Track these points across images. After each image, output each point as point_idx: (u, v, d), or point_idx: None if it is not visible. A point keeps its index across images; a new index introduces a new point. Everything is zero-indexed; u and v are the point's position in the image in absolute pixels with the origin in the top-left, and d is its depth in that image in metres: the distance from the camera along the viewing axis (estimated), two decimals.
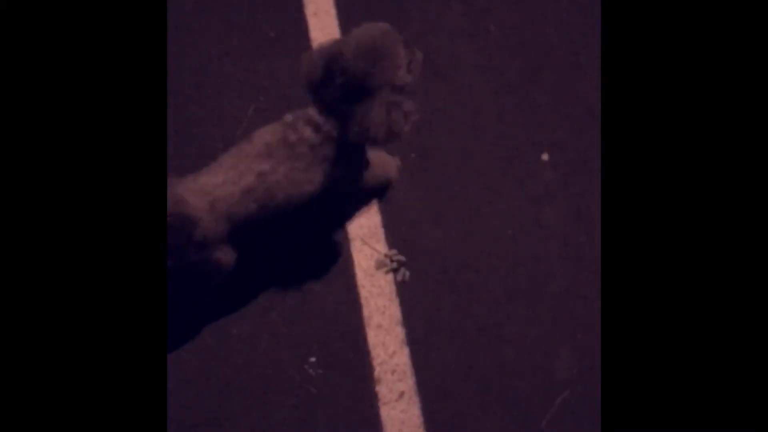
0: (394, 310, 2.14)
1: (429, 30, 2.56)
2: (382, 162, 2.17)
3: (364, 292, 2.16)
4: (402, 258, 2.20)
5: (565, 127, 2.43)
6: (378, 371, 2.06)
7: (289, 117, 1.86)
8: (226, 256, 1.87)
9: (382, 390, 2.05)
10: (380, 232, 2.23)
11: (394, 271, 2.19)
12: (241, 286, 2.12)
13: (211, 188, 1.78)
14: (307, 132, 1.81)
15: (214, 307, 2.10)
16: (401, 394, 2.04)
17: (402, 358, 2.08)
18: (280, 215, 1.89)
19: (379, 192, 2.28)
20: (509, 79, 2.48)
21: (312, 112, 1.83)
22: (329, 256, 2.18)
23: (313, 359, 2.06)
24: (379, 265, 2.19)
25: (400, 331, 2.11)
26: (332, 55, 1.79)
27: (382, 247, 2.21)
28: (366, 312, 2.13)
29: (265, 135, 1.85)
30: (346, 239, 2.21)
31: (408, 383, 2.05)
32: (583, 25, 2.61)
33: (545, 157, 2.39)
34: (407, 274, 2.18)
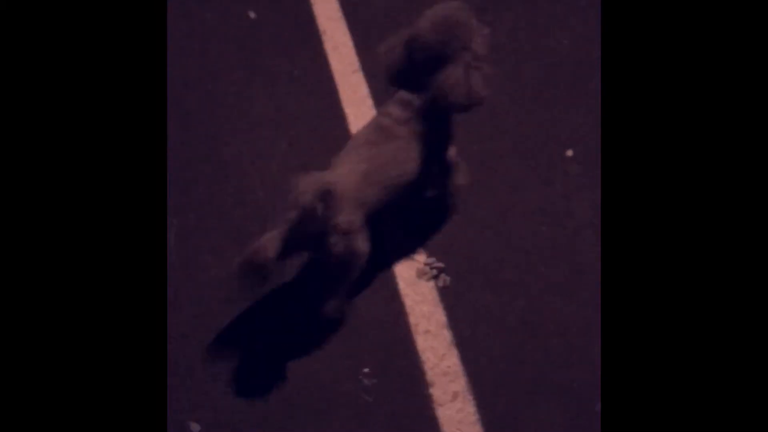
0: (440, 315, 2.21)
1: None
2: (462, 168, 2.29)
3: (408, 300, 2.24)
4: (441, 264, 2.27)
5: (586, 123, 2.50)
6: (430, 375, 2.12)
7: (381, 108, 2.04)
8: (364, 244, 1.97)
9: (436, 392, 2.10)
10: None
11: (435, 277, 2.26)
12: (293, 300, 2.22)
13: (338, 180, 1.90)
14: (397, 111, 1.97)
15: (269, 323, 2.21)
16: (455, 395, 2.09)
17: (452, 359, 2.14)
18: (394, 198, 2.02)
19: (451, 200, 2.37)
20: (526, 81, 2.56)
21: (400, 93, 1.98)
22: (370, 269, 2.27)
23: (366, 369, 2.14)
24: (420, 274, 2.27)
25: (447, 334, 2.18)
26: (409, 35, 1.94)
27: (420, 257, 2.30)
28: (412, 319, 2.21)
29: (365, 128, 2.03)
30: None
31: (460, 383, 2.10)
32: (593, 25, 2.69)
33: (570, 153, 2.46)
34: (448, 279, 2.25)
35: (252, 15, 2.87)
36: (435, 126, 2.01)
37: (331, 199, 1.81)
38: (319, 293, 2.10)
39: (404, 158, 1.99)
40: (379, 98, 2.60)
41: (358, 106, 2.60)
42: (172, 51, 2.79)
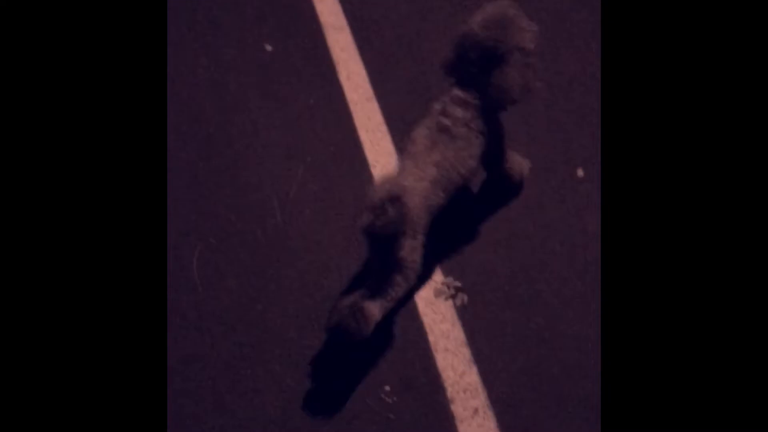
0: (458, 333, 2.25)
1: None
2: (517, 160, 2.36)
3: (427, 320, 2.28)
4: (458, 284, 2.32)
5: (595, 142, 2.56)
6: (450, 391, 2.16)
7: (436, 105, 2.07)
8: (423, 249, 2.04)
9: (457, 409, 2.14)
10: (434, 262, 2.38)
11: (453, 296, 2.31)
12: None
13: (410, 185, 1.97)
14: (459, 111, 2.03)
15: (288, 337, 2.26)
16: (475, 411, 2.13)
17: (471, 376, 2.18)
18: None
19: (516, 189, 2.46)
20: (536, 101, 2.62)
21: (456, 92, 2.05)
22: None
23: (387, 388, 2.18)
24: (438, 293, 2.32)
25: (466, 352, 2.22)
26: (463, 34, 2.02)
27: (438, 276, 2.35)
28: (432, 338, 2.25)
29: (423, 130, 2.06)
30: None
31: (481, 399, 2.14)
32: (594, 43, 2.77)
33: (580, 172, 2.51)
34: (465, 297, 2.30)
35: (268, 48, 2.97)
36: (491, 123, 2.10)
37: (401, 204, 1.87)
38: (370, 292, 2.09)
39: (467, 157, 2.05)
40: (393, 124, 2.68)
41: (374, 132, 2.68)
42: (193, 84, 2.88)
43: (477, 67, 2.01)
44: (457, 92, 2.05)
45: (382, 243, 1.94)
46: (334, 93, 2.81)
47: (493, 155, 2.17)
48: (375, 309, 1.98)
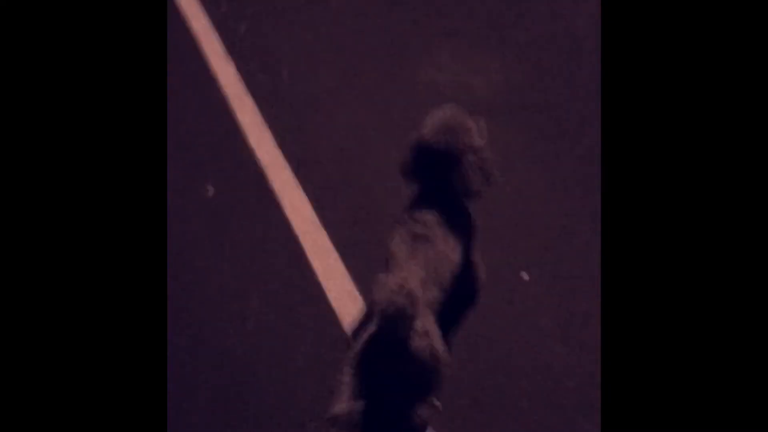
0: None
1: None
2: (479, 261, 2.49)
3: None
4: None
5: (538, 242, 2.73)
6: None
7: (404, 218, 2.18)
8: (442, 345, 2.06)
9: None
10: None
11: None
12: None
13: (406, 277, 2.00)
14: (427, 215, 2.15)
15: None
16: None
17: None
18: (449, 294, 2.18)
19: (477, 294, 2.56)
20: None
21: (418, 202, 2.18)
22: None
23: None
24: None
25: None
26: (416, 140, 2.18)
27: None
28: None
29: (398, 242, 2.15)
30: None
31: None
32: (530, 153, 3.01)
33: (525, 275, 2.66)
34: (437, 403, 2.33)
35: (210, 190, 3.07)
36: (458, 219, 2.22)
37: (416, 299, 1.92)
38: (410, 402, 2.14)
39: (450, 252, 2.16)
40: (342, 248, 2.78)
41: (324, 258, 2.76)
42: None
43: (434, 168, 2.16)
44: (420, 201, 2.19)
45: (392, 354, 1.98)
46: (280, 225, 2.90)
47: (467, 251, 2.28)
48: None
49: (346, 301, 2.62)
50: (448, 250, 2.16)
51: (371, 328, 1.99)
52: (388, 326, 1.92)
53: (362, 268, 2.71)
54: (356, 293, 2.64)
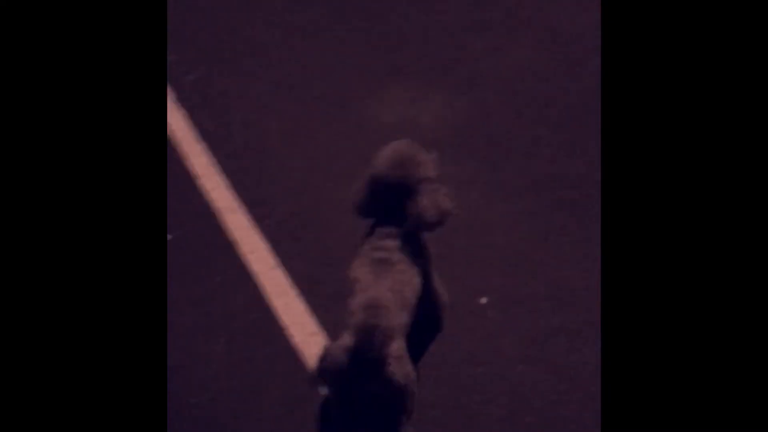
0: None
1: None
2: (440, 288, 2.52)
3: None
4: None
5: (496, 268, 2.79)
6: None
7: (365, 246, 2.21)
8: (413, 369, 2.07)
9: None
10: None
11: None
12: None
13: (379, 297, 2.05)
14: (389, 242, 2.18)
15: None
16: None
17: None
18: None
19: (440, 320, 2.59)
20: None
21: (379, 229, 2.20)
22: None
23: None
24: None
25: None
26: (370, 175, 2.22)
27: None
28: None
29: (361, 268, 2.18)
30: None
31: None
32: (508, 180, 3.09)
33: (483, 300, 2.71)
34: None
35: (168, 237, 3.07)
36: (415, 248, 2.25)
37: (387, 310, 1.97)
38: (394, 428, 2.13)
39: (413, 276, 2.19)
40: (302, 287, 2.80)
41: (284, 298, 2.78)
42: None
43: (389, 202, 2.21)
44: (379, 229, 2.23)
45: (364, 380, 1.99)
46: (238, 268, 2.91)
47: (425, 277, 2.32)
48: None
49: (308, 339, 2.63)
50: (412, 272, 2.20)
51: (346, 344, 2.00)
52: (363, 345, 1.94)
53: (323, 304, 2.73)
54: (318, 330, 2.65)
